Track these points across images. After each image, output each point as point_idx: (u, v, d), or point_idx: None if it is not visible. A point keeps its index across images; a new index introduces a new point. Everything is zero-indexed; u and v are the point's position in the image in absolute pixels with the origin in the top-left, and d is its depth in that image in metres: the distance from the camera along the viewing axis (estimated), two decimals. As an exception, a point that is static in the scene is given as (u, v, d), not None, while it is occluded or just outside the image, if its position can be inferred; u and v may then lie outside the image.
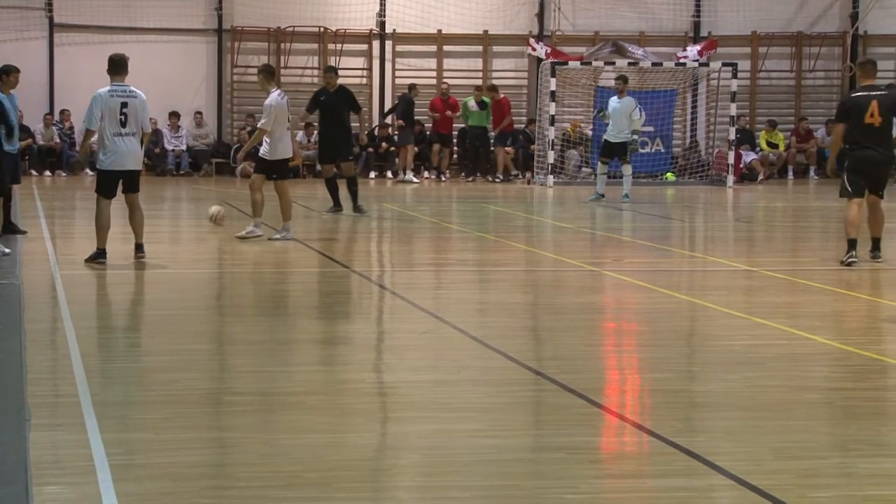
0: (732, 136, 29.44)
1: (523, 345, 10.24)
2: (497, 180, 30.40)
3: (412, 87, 30.43)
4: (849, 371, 9.26)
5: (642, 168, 30.27)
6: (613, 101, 24.88)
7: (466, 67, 32.28)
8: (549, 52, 31.23)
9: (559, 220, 21.42)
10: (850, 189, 15.08)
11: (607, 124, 24.99)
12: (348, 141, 20.73)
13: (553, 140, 29.11)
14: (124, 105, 14.28)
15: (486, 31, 32.26)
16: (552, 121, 29.03)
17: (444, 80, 31.74)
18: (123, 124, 14.25)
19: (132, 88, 14.40)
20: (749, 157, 31.52)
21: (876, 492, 6.24)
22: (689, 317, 11.70)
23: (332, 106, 20.45)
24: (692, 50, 31.73)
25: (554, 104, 29.02)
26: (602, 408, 8.01)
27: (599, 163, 25.27)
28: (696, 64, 31.00)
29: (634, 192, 25.81)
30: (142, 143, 14.51)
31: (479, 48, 32.47)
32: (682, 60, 31.15)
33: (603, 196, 24.49)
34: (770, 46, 32.75)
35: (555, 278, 14.29)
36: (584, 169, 30.46)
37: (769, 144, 32.13)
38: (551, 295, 12.99)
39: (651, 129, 30.34)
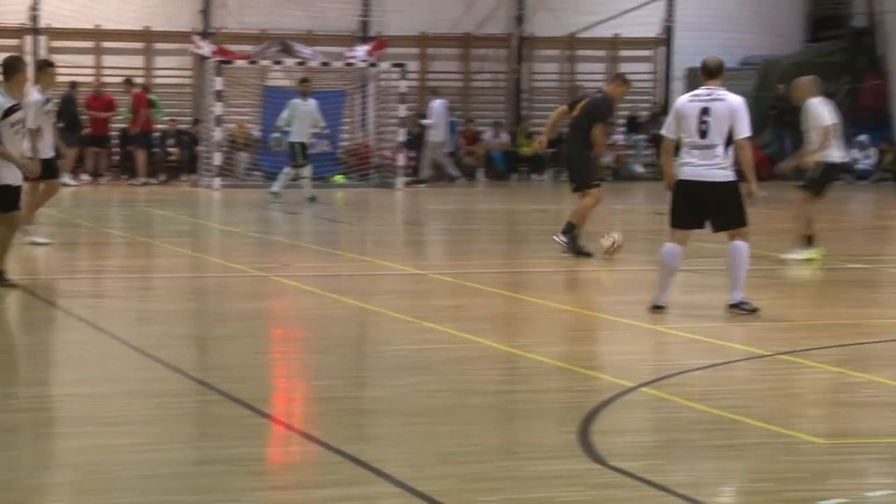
0: (402, 138, 29.89)
1: (187, 354, 10.15)
2: (160, 182, 29.99)
3: (73, 84, 29.71)
4: (514, 374, 9.54)
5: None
6: (300, 103, 25.01)
7: (128, 65, 31.67)
8: (214, 50, 30.99)
9: (226, 224, 21.31)
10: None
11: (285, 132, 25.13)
12: None
13: (219, 141, 28.91)
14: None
15: (147, 28, 31.77)
16: (218, 121, 28.84)
17: (104, 77, 31.08)
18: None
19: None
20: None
21: (541, 493, 6.45)
22: (357, 322, 11.83)
23: None
24: (361, 50, 32.05)
25: (220, 104, 28.83)
26: (269, 417, 8.02)
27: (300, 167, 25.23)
28: (364, 64, 31.34)
29: (302, 196, 25.90)
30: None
31: (141, 45, 31.96)
32: (350, 60, 31.43)
33: (278, 194, 24.67)
34: (438, 47, 33.40)
35: (221, 284, 14.22)
36: (253, 172, 30.35)
37: (438, 146, 32.75)
38: (217, 302, 12.92)
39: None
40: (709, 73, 11.86)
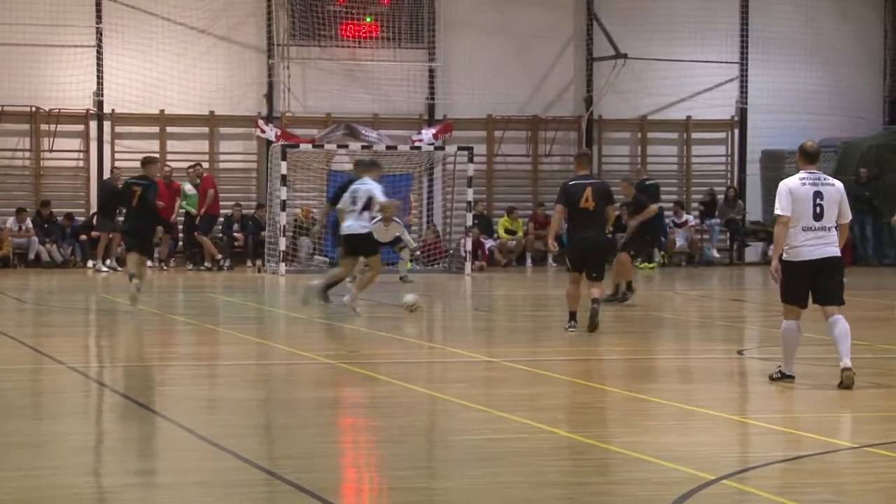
0: (470, 222, 29.97)
1: (255, 443, 10.16)
2: (225, 268, 30.19)
3: (112, 170, 30.38)
4: (590, 465, 9.47)
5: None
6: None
7: (192, 150, 32.07)
8: (279, 133, 31.31)
9: (292, 311, 21.38)
10: (570, 266, 17.42)
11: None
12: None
13: (284, 226, 29.11)
14: None
15: (212, 112, 32.17)
16: (283, 206, 29.05)
17: (168, 162, 31.43)
18: None
19: None
20: (487, 243, 32.11)
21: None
22: (428, 411, 11.81)
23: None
24: (427, 133, 32.27)
25: (285, 188, 29.06)
26: (339, 509, 8.00)
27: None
28: (431, 147, 31.52)
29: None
30: None
31: (206, 129, 32.34)
32: (417, 144, 31.63)
33: (406, 276, 26.26)
34: (506, 130, 33.55)
35: (288, 372, 14.25)
36: (316, 256, 30.49)
37: (507, 231, 32.80)
38: (284, 390, 12.95)
39: (388, 215, 30.59)
40: (810, 158, 12.92)
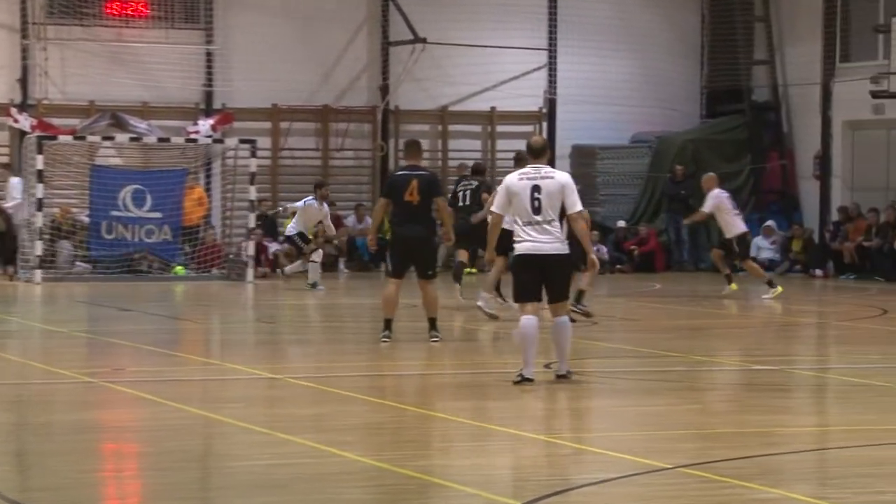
0: (252, 224, 29.80)
1: (4, 473, 9.97)
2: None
3: None
4: (383, 491, 9.50)
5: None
6: (314, 204, 27.33)
7: (-68, 141, 31.30)
8: (34, 123, 30.72)
9: (49, 323, 21.06)
10: (390, 268, 17.81)
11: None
12: None
13: (41, 228, 28.58)
14: None
15: (-42, 99, 31.47)
16: (40, 205, 28.53)
17: None
18: None
19: None
20: (273, 247, 31.95)
21: None
22: (202, 434, 11.73)
23: None
24: (204, 124, 31.98)
25: (42, 185, 28.55)
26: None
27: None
28: (209, 140, 31.28)
29: (136, 290, 25.72)
30: None
31: (-50, 118, 31.62)
32: (192, 136, 31.34)
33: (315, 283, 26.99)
34: (293, 121, 33.44)
35: (42, 392, 14.03)
36: (78, 263, 30.00)
37: (295, 233, 32.69)
38: (39, 412, 12.74)
39: (158, 214, 30.27)
40: (534, 153, 13.93)
